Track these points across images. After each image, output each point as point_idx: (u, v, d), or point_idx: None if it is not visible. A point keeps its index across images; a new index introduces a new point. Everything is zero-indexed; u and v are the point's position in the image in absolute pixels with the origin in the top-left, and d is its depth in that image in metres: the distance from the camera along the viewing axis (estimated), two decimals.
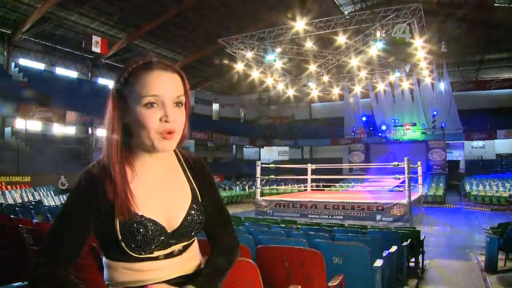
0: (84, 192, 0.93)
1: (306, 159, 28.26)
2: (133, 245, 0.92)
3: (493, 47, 23.63)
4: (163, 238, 0.95)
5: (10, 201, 11.03)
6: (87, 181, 0.93)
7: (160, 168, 1.02)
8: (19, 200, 11.60)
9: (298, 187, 17.13)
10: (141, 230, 0.92)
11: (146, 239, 0.92)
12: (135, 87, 0.92)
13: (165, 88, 0.93)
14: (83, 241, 0.93)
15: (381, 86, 24.52)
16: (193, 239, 1.04)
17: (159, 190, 0.99)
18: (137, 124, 0.93)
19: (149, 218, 0.94)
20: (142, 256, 0.94)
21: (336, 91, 26.98)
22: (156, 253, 0.95)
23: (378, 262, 2.75)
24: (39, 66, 21.02)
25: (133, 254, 0.93)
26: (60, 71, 22.04)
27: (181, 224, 0.98)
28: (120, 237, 0.91)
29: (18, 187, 13.24)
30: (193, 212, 1.01)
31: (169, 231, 0.97)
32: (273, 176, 15.71)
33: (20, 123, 18.56)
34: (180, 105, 0.96)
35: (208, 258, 1.08)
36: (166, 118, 0.92)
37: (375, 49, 18.22)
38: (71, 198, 0.95)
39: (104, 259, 0.98)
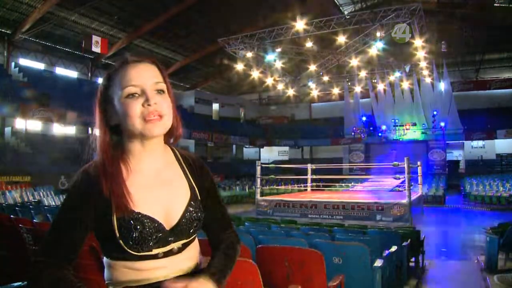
0: (81, 191, 0.94)
1: (306, 159, 28.24)
2: (131, 242, 0.92)
3: (493, 47, 23.61)
4: (161, 235, 0.95)
5: (10, 201, 11.02)
6: (83, 180, 0.95)
7: (156, 165, 1.02)
8: (19, 200, 11.60)
9: (298, 187, 17.11)
10: (138, 227, 0.92)
11: (144, 235, 0.93)
12: (116, 83, 0.98)
13: (142, 77, 0.97)
14: (81, 240, 0.94)
15: (381, 86, 24.51)
16: (192, 237, 1.04)
17: (156, 187, 1.00)
18: (123, 116, 0.96)
19: (145, 215, 0.94)
20: (141, 254, 0.94)
21: (336, 91, 26.99)
22: (155, 251, 0.96)
23: (378, 262, 2.75)
24: (39, 66, 21.00)
25: (132, 252, 0.93)
26: (60, 71, 22.03)
27: (179, 221, 0.99)
28: (118, 235, 0.92)
29: (18, 187, 13.24)
30: (191, 209, 1.01)
31: (167, 228, 0.97)
32: (273, 176, 15.67)
33: (20, 123, 18.54)
34: (161, 92, 0.99)
35: (212, 255, 1.08)
36: (147, 102, 0.95)
37: (375, 49, 18.23)
38: (68, 198, 0.96)
39: (104, 258, 0.99)
